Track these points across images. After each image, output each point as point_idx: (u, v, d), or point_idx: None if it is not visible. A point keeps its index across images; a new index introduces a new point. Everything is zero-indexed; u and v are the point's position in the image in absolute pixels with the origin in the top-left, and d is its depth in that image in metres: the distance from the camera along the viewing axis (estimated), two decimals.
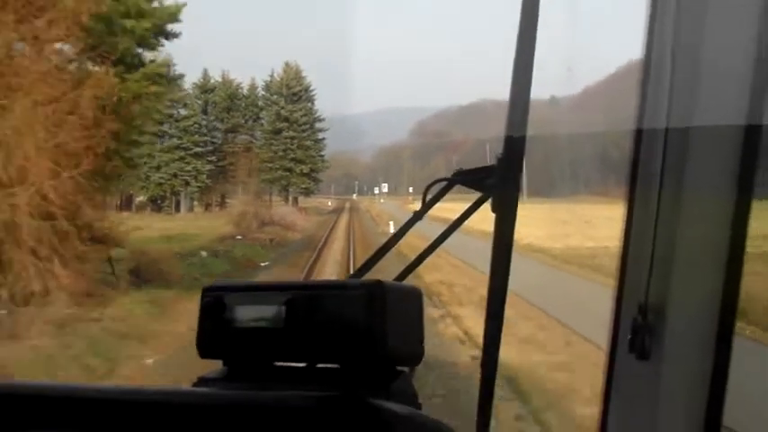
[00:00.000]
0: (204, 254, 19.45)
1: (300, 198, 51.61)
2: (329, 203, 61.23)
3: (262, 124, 51.27)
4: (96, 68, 11.54)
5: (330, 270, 17.95)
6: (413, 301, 1.13)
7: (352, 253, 21.05)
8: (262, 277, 15.70)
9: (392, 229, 20.33)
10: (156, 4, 16.08)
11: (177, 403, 1.01)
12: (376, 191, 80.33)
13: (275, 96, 52.10)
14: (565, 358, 9.55)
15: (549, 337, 10.77)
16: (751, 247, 1.10)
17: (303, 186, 50.62)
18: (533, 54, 1.10)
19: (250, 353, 1.10)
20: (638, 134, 1.18)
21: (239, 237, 25.42)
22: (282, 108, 51.22)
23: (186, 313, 10.78)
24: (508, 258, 1.15)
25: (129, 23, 13.66)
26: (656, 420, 1.15)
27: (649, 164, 1.15)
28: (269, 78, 53.11)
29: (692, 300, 1.11)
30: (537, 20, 1.10)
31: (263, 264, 19.96)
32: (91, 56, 11.46)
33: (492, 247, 1.14)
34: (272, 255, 22.19)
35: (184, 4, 17.00)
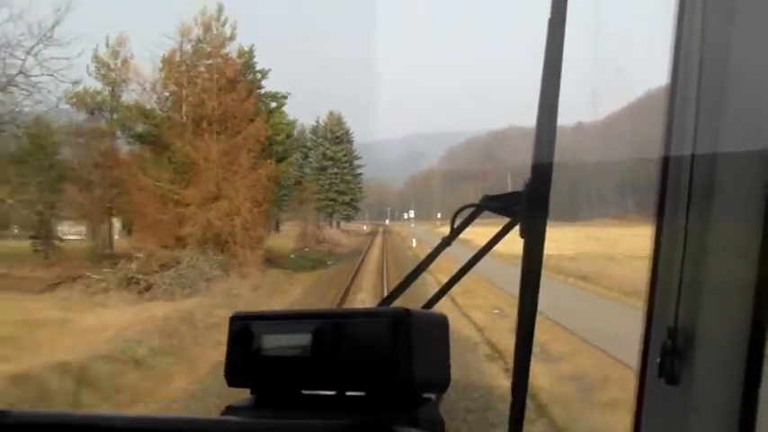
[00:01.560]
0: (293, 256, 30.99)
1: (342, 223, 63.60)
2: (365, 228, 72.88)
3: (310, 162, 62.87)
4: (266, 161, 23.53)
5: (372, 267, 28.91)
6: (439, 328, 1.14)
7: (385, 259, 32.13)
8: (331, 270, 26.81)
9: (414, 244, 32.47)
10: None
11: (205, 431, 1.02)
12: (405, 216, 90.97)
13: (321, 139, 64.01)
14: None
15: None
16: None
17: (345, 213, 62.58)
18: (559, 80, 1.09)
19: (278, 381, 1.11)
20: (666, 159, 1.17)
21: (306, 249, 36.88)
22: (327, 149, 63.01)
23: (297, 277, 22.34)
24: (537, 283, 1.13)
25: (278, 138, 26.48)
26: None
27: (677, 188, 1.14)
28: (315, 123, 65.02)
29: (721, 324, 1.09)
30: (563, 47, 1.09)
31: (329, 263, 31.28)
32: (263, 154, 23.46)
33: (521, 272, 1.13)
34: (332, 260, 33.47)
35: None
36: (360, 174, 64.73)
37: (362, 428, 0.96)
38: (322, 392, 1.11)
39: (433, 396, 1.10)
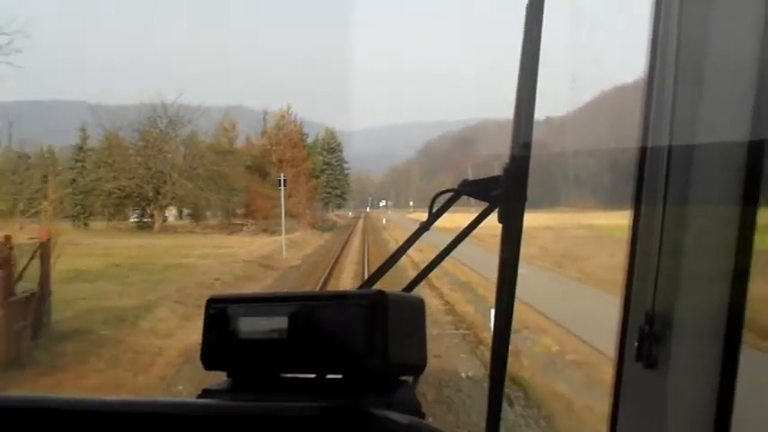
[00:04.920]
0: (317, 225, 58.16)
1: (335, 210, 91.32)
2: (350, 214, 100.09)
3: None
4: (311, 179, 51.02)
5: (358, 231, 55.46)
6: (415, 310, 1.15)
7: (366, 229, 58.56)
8: (339, 231, 54.19)
9: (384, 223, 62.81)
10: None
11: (182, 415, 1.02)
12: (381, 204, 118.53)
13: (319, 149, 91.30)
14: None
15: None
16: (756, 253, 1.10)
17: (337, 203, 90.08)
18: (537, 68, 1.09)
19: (254, 364, 1.11)
20: (643, 147, 1.18)
21: (320, 223, 64.03)
22: (325, 157, 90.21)
23: (322, 233, 49.49)
24: (515, 269, 1.13)
25: (316, 168, 54.47)
26: (664, 428, 1.15)
27: (654, 174, 1.15)
28: (315, 137, 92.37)
29: (698, 308, 1.09)
30: (541, 34, 1.10)
31: (335, 229, 58.22)
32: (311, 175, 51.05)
33: (499, 258, 1.13)
34: (336, 228, 60.10)
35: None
36: (347, 173, 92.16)
37: (337, 411, 0.98)
38: (299, 375, 1.11)
39: (409, 379, 1.12)
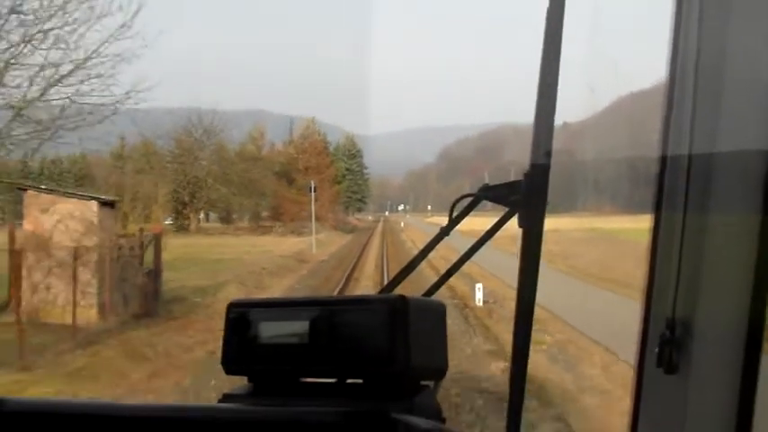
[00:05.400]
0: (340, 228, 62.28)
1: (355, 214, 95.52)
2: (370, 218, 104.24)
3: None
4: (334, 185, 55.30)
5: (378, 233, 59.48)
6: (436, 315, 1.15)
7: (385, 231, 62.34)
8: (359, 233, 58.34)
9: (402, 226, 67.13)
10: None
11: (204, 420, 1.03)
12: (399, 208, 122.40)
13: (340, 155, 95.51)
14: None
15: None
16: None
17: (357, 207, 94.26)
18: (558, 73, 1.11)
19: (275, 369, 1.11)
20: (664, 153, 1.18)
21: (342, 225, 68.15)
22: (346, 163, 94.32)
23: (345, 235, 53.55)
24: (536, 273, 1.14)
25: (339, 174, 58.86)
26: None
27: (675, 180, 1.15)
28: (336, 144, 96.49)
29: (719, 315, 1.09)
30: (561, 39, 1.10)
31: (356, 231, 62.33)
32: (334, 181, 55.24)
33: (520, 262, 1.14)
34: (357, 231, 64.18)
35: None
36: (367, 178, 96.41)
37: (359, 416, 0.98)
38: (320, 380, 1.11)
39: (430, 384, 1.12)
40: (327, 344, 1.06)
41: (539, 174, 1.13)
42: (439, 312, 1.16)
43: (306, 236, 43.95)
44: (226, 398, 1.12)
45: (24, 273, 12.19)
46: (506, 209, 1.18)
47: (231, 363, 1.13)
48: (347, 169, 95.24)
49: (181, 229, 51.37)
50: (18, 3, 13.04)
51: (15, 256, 12.34)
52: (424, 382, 1.11)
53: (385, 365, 1.04)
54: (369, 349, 1.04)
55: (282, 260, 27.41)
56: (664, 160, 1.18)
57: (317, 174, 53.57)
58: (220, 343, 1.14)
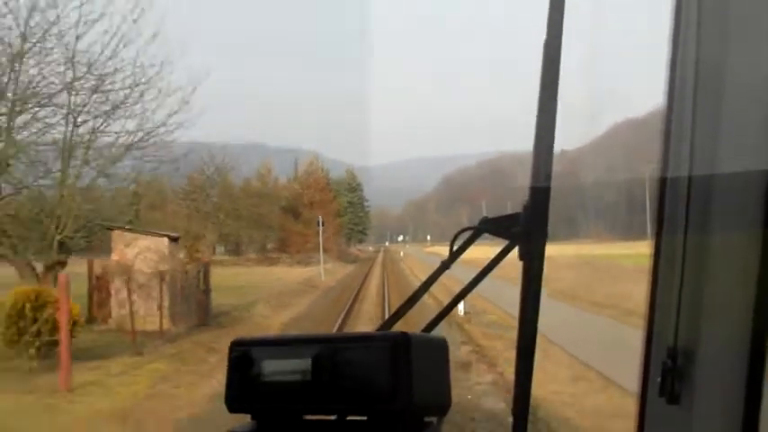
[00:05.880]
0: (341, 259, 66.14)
1: (357, 245, 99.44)
2: (370, 248, 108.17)
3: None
4: (337, 218, 59.41)
5: (379, 263, 63.08)
6: (438, 351, 1.15)
7: (385, 260, 66.10)
8: (361, 263, 62.28)
9: (401, 256, 71.56)
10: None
11: None
12: (399, 239, 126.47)
13: (342, 189, 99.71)
14: None
15: None
16: None
17: (359, 238, 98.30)
18: (556, 104, 1.11)
19: (278, 406, 1.11)
20: (663, 179, 1.17)
21: (344, 256, 71.99)
22: (347, 197, 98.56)
23: (347, 265, 57.42)
24: (536, 306, 1.14)
25: (341, 209, 63.04)
26: None
27: (674, 206, 1.15)
28: (337, 177, 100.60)
29: (721, 343, 1.08)
30: (559, 66, 1.11)
31: (358, 261, 66.10)
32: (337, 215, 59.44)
33: (521, 294, 1.14)
34: (359, 261, 67.99)
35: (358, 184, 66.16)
36: (368, 211, 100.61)
37: None
38: (323, 417, 1.10)
39: (433, 420, 1.11)
40: (330, 381, 1.07)
41: (538, 206, 1.15)
42: (441, 348, 1.17)
43: (311, 266, 47.72)
44: None
45: (112, 293, 16.20)
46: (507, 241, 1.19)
47: (234, 401, 1.13)
48: (348, 202, 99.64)
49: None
50: (101, 83, 17.10)
51: (102, 281, 16.41)
52: (427, 419, 1.11)
53: (388, 402, 1.04)
54: (372, 386, 1.05)
55: (296, 286, 31.55)
56: (663, 184, 1.18)
57: (321, 208, 57.73)
58: None
